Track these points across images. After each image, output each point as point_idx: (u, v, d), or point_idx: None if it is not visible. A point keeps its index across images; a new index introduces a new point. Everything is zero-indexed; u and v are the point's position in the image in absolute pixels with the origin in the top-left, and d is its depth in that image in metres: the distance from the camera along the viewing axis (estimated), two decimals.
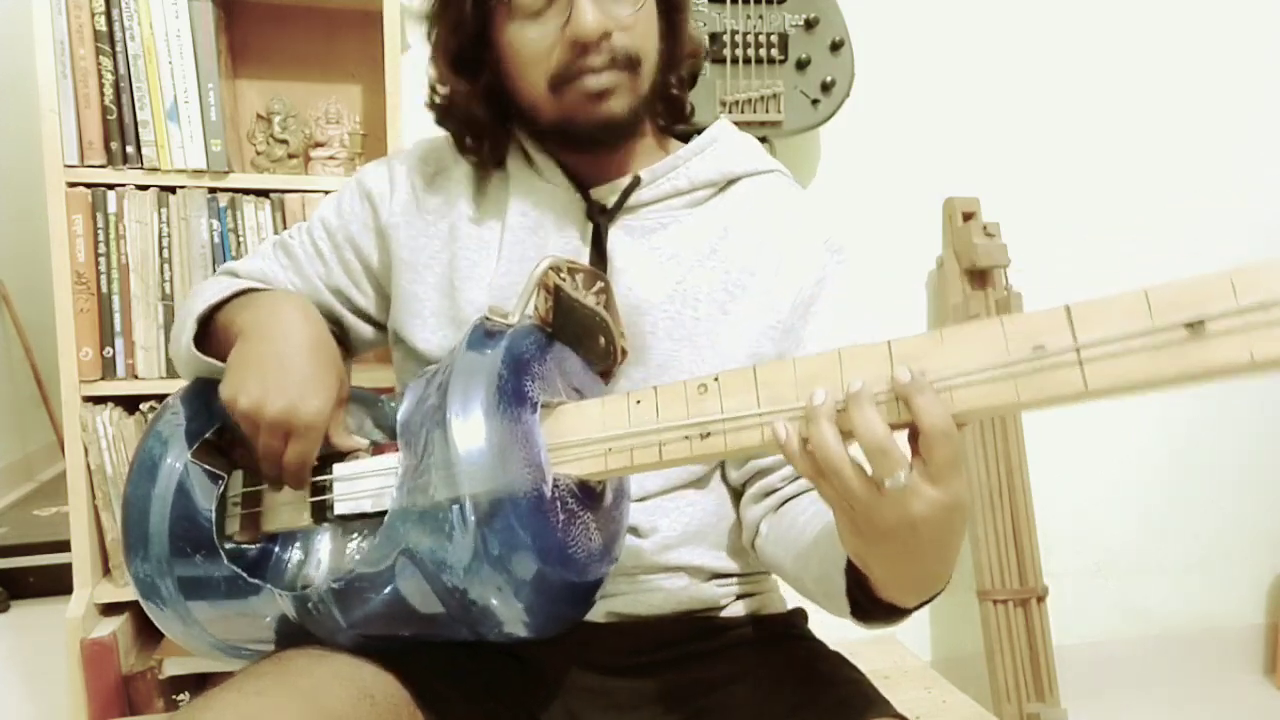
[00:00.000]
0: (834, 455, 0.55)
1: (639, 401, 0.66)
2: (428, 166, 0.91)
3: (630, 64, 0.80)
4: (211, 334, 0.82)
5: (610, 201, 0.85)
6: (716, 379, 0.63)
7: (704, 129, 0.91)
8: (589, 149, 0.85)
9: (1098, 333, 0.52)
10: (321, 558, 0.77)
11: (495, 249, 0.86)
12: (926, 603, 0.65)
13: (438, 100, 0.88)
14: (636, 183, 0.85)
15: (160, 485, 0.75)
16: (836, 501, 0.57)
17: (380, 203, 0.90)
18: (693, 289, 0.84)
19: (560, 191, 0.86)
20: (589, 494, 0.70)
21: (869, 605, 0.67)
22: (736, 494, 0.88)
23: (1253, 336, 0.49)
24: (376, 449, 0.75)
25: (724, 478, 0.89)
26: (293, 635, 0.73)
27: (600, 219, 0.85)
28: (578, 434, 0.68)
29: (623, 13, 0.78)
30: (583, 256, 0.84)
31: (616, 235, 0.85)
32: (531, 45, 0.79)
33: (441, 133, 0.91)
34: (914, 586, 0.63)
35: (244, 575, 0.72)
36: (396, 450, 0.70)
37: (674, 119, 0.92)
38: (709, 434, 0.63)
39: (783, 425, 0.57)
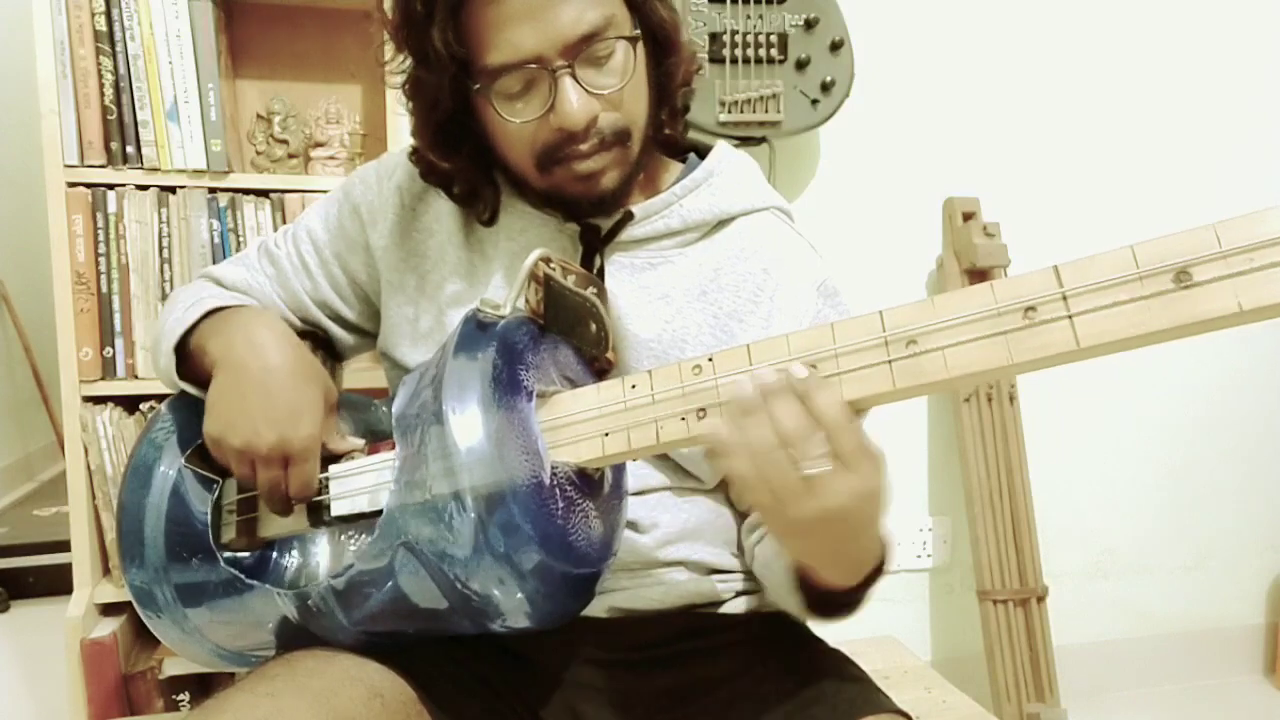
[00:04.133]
0: (762, 448, 0.58)
1: (634, 385, 0.66)
2: (415, 184, 0.88)
3: (620, 139, 0.77)
4: (187, 356, 0.80)
5: (602, 230, 0.84)
6: (710, 359, 0.64)
7: (703, 148, 0.90)
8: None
9: (1087, 291, 0.53)
10: (320, 560, 0.77)
11: (485, 275, 0.85)
12: (864, 589, 0.70)
13: (418, 148, 0.84)
14: (629, 217, 0.84)
15: (154, 492, 0.75)
16: (766, 501, 0.60)
17: (368, 223, 0.88)
18: (680, 330, 0.83)
19: (551, 219, 0.85)
20: (587, 481, 0.70)
21: (815, 600, 0.72)
22: (741, 516, 0.89)
23: (1239, 284, 0.50)
24: (372, 448, 0.75)
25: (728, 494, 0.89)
26: (293, 637, 0.73)
27: (593, 241, 0.84)
28: (574, 419, 0.68)
29: (608, 88, 0.75)
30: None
31: (610, 270, 0.84)
32: (514, 128, 0.75)
33: None
34: (846, 569, 0.68)
35: (242, 577, 0.72)
36: (392, 448, 0.71)
37: (668, 146, 0.89)
38: (705, 414, 0.63)
39: (710, 423, 0.61)
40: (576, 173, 0.77)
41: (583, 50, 0.72)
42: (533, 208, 0.85)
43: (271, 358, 0.75)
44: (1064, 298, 0.54)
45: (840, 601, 0.72)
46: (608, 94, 0.75)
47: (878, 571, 0.69)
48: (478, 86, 0.75)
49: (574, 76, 0.73)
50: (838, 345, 0.60)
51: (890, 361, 0.58)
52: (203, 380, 0.76)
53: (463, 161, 0.82)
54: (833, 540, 0.63)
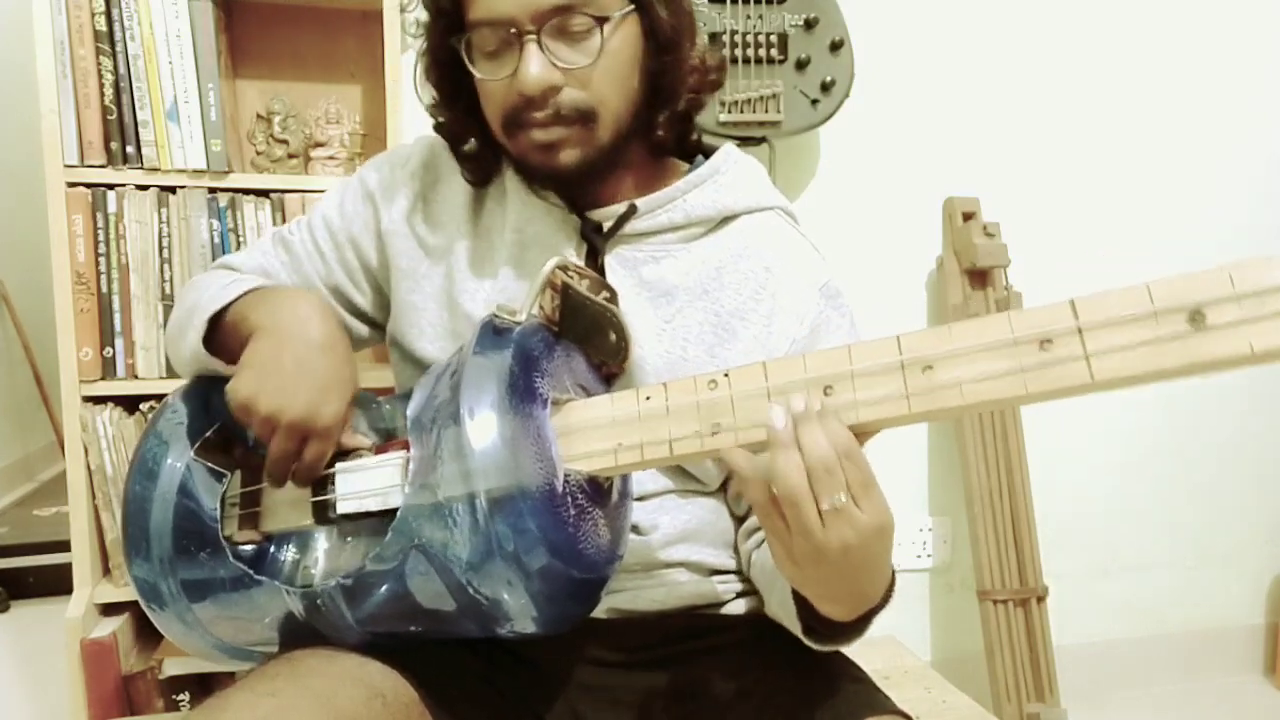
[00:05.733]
0: (796, 484, 0.57)
1: (648, 397, 0.66)
2: (428, 174, 0.90)
3: (581, 118, 0.78)
4: (219, 331, 0.80)
5: (606, 224, 0.84)
6: (726, 375, 0.64)
7: (709, 149, 0.90)
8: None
9: (1102, 327, 0.54)
10: (319, 556, 0.77)
11: (492, 264, 0.86)
12: (867, 621, 0.69)
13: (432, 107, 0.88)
14: (632, 210, 0.84)
15: (162, 486, 0.75)
16: (782, 530, 0.59)
17: (381, 207, 0.90)
18: (682, 328, 0.83)
19: (556, 210, 0.85)
20: (598, 490, 0.70)
21: (815, 624, 0.71)
22: (738, 521, 0.89)
23: (1252, 329, 0.51)
24: (379, 448, 0.75)
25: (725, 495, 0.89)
26: (296, 634, 0.73)
27: (595, 238, 0.84)
28: (587, 429, 0.68)
29: (574, 64, 0.76)
30: None
31: (611, 263, 0.84)
32: (487, 86, 0.79)
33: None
34: (848, 603, 0.66)
35: (250, 572, 0.72)
36: (400, 449, 0.71)
37: (670, 149, 0.89)
38: (719, 430, 0.63)
39: (749, 464, 0.59)
40: (534, 141, 0.79)
41: (553, 19, 0.74)
42: (538, 199, 0.86)
43: (313, 332, 0.74)
44: (1080, 332, 0.54)
45: (837, 633, 0.71)
46: (573, 70, 0.76)
47: (879, 608, 0.69)
48: (458, 39, 0.78)
49: (539, 44, 0.74)
50: (854, 368, 0.59)
51: (906, 386, 0.58)
52: (227, 354, 0.76)
53: (458, 114, 0.85)
54: (831, 576, 0.62)
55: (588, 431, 0.68)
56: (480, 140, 0.85)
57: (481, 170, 0.87)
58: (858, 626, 0.70)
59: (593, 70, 0.76)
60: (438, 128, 0.89)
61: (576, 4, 0.74)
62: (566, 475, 0.67)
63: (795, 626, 0.74)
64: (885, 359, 0.59)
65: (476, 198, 0.89)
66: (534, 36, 0.74)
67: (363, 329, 0.95)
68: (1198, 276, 0.52)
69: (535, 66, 0.74)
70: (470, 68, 0.78)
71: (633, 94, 0.81)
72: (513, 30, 0.74)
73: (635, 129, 0.82)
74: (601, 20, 0.76)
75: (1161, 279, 0.53)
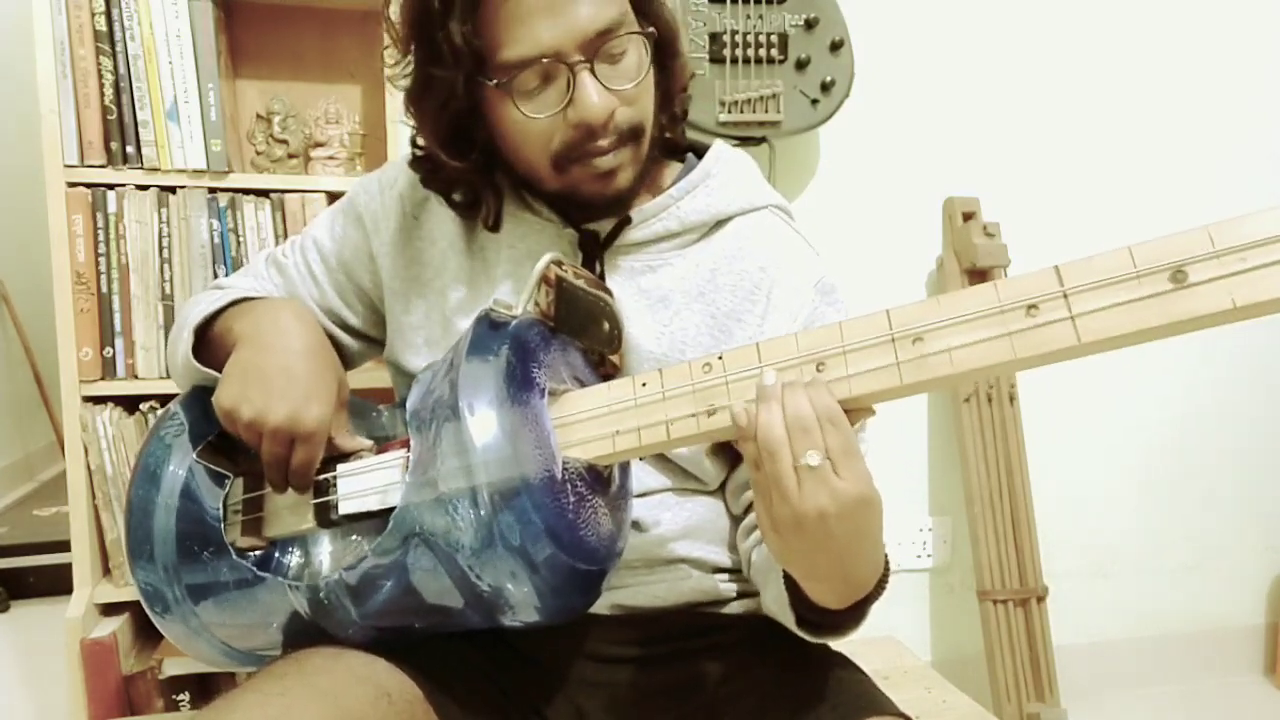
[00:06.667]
0: (775, 435, 0.58)
1: (644, 384, 0.67)
2: (416, 193, 0.89)
3: (634, 136, 0.78)
4: (208, 344, 0.82)
5: (602, 235, 0.84)
6: (720, 357, 0.65)
7: (698, 146, 0.91)
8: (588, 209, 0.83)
9: (1087, 290, 0.55)
10: (323, 559, 0.78)
11: (488, 281, 0.86)
12: (859, 611, 0.69)
13: (419, 155, 0.84)
14: (627, 221, 0.84)
15: (164, 491, 0.75)
16: (764, 488, 0.60)
17: (371, 231, 0.89)
18: (680, 333, 0.83)
19: (550, 225, 0.85)
20: (597, 478, 0.71)
21: (807, 613, 0.71)
22: (736, 520, 0.89)
23: (1232, 283, 0.52)
24: (380, 448, 0.75)
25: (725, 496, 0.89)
26: (301, 634, 0.73)
27: (592, 249, 0.84)
28: (585, 417, 0.69)
29: (624, 87, 0.75)
30: None
31: (609, 274, 0.84)
32: (531, 125, 0.75)
33: None
34: (837, 585, 0.66)
35: (254, 570, 0.72)
36: (400, 448, 0.71)
37: (666, 147, 0.90)
38: (715, 410, 0.63)
39: (741, 406, 0.61)
40: (595, 170, 0.77)
41: (599, 46, 0.73)
42: (532, 214, 0.86)
43: (293, 341, 0.76)
44: (1065, 296, 0.55)
45: (829, 622, 0.71)
46: (621, 90, 0.75)
47: (869, 600, 0.69)
48: (495, 82, 0.74)
49: (592, 72, 0.73)
50: (846, 343, 0.61)
51: (897, 358, 0.59)
52: (219, 365, 0.77)
53: (472, 163, 0.81)
54: (813, 548, 0.61)
55: (585, 419, 0.69)
56: (481, 181, 0.83)
57: (484, 210, 0.85)
58: (851, 616, 0.70)
59: (638, 87, 0.76)
60: (428, 182, 0.85)
61: (615, 25, 0.74)
62: (565, 463, 0.67)
63: (789, 617, 0.74)
64: (876, 332, 0.60)
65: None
66: (586, 65, 0.73)
67: (359, 345, 0.95)
68: (1178, 237, 0.53)
69: (596, 94, 0.73)
70: (518, 110, 0.74)
71: (655, 103, 0.81)
72: (559, 62, 0.72)
73: (655, 139, 0.83)
74: (650, 36, 0.76)
75: (1143, 241, 0.54)
